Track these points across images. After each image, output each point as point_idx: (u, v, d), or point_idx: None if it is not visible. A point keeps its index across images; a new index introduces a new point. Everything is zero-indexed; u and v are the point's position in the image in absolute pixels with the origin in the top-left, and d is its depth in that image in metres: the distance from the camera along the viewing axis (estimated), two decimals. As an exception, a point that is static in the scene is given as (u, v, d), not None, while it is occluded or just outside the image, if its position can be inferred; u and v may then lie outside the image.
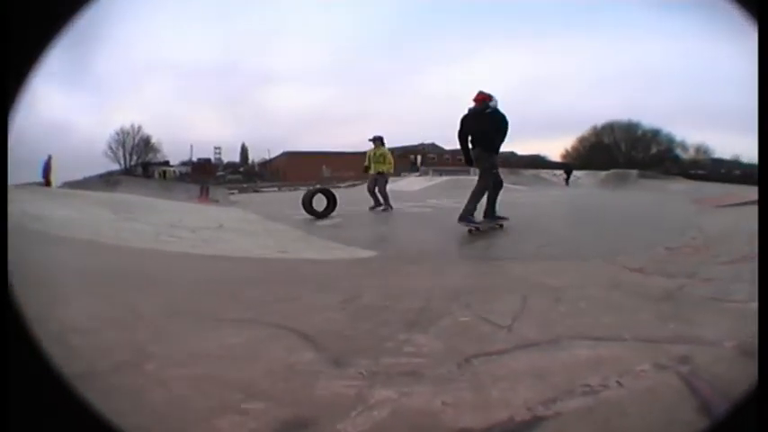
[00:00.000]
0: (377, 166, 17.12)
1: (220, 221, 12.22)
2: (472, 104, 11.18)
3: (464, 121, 11.12)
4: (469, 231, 10.29)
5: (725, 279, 5.79)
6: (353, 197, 24.79)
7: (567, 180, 46.87)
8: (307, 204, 14.52)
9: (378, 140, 17.61)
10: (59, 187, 22.49)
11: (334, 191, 16.46)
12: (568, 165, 56.51)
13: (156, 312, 4.39)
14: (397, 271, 6.99)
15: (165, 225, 11.01)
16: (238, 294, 5.14)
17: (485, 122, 10.78)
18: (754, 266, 5.93)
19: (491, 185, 11.03)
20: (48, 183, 22.84)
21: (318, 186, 17.71)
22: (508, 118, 10.93)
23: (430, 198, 22.48)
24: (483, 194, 10.87)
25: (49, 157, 23.34)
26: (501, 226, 11.04)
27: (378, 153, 17.26)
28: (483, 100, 10.93)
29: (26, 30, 2.19)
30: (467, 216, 10.48)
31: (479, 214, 10.90)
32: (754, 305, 4.22)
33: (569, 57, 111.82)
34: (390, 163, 17.34)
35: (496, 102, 10.97)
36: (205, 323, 4.11)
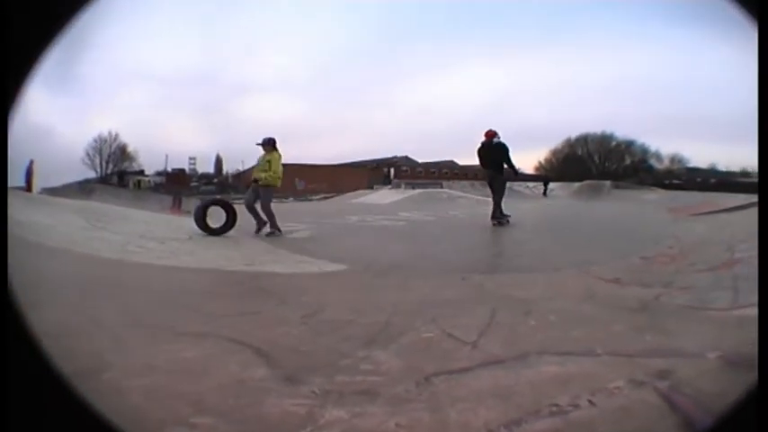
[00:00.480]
0: (257, 175, 13.81)
1: (190, 233, 12.13)
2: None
3: (480, 151, 15.93)
4: (500, 223, 15.31)
5: (703, 287, 5.73)
6: (325, 210, 25.69)
7: (545, 191, 47.82)
8: (200, 219, 12.79)
9: (268, 143, 13.85)
10: (39, 193, 22.29)
11: (232, 203, 14.10)
12: (546, 177, 57.53)
13: (115, 323, 4.28)
14: (364, 285, 6.91)
15: (134, 235, 10.94)
16: (198, 307, 5.03)
17: (493, 152, 15.65)
18: (733, 273, 5.97)
19: (501, 195, 15.65)
20: (29, 188, 22.50)
21: (216, 198, 16.41)
22: (507, 144, 15.82)
23: (402, 211, 22.61)
24: (500, 201, 15.56)
25: (31, 162, 23.13)
26: (508, 221, 15.57)
27: (266, 159, 13.69)
28: (491, 136, 15.78)
29: (26, 30, 2.16)
30: (495, 215, 15.44)
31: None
32: (739, 312, 4.52)
33: (543, 70, 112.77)
34: (275, 171, 13.69)
35: (499, 136, 15.82)
36: (162, 335, 3.98)
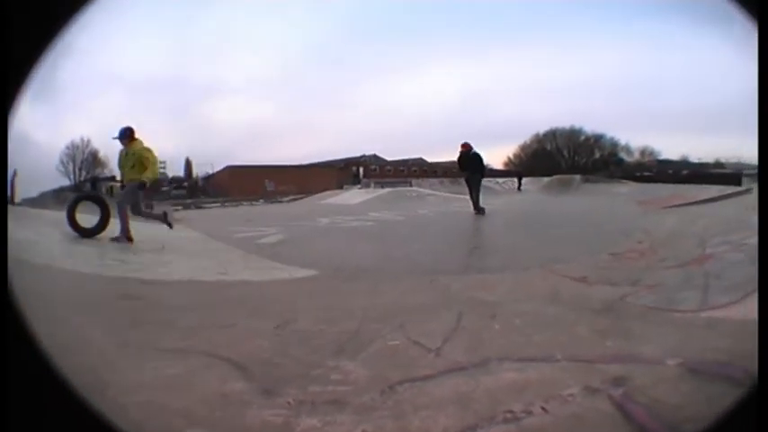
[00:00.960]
0: (128, 174, 12.01)
1: (163, 243, 11.94)
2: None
3: (459, 159, 20.76)
4: (480, 212, 19.36)
5: (672, 286, 5.82)
6: (295, 212, 25.83)
7: (519, 186, 48.26)
8: (71, 218, 11.67)
9: (125, 135, 12.09)
10: (18, 204, 21.86)
11: (106, 199, 12.61)
12: (519, 172, 57.91)
13: (104, 342, 4.34)
14: (334, 291, 7.00)
15: (110, 247, 10.90)
16: (175, 322, 5.09)
17: (470, 160, 20.50)
18: (704, 270, 6.21)
19: (479, 192, 20.23)
20: (12, 199, 22.24)
21: (88, 191, 14.22)
22: (481, 153, 21.15)
23: (371, 211, 22.95)
24: (479, 196, 20.03)
25: (15, 173, 22.84)
26: (484, 212, 19.47)
27: (130, 153, 12.02)
28: (468, 148, 20.57)
29: (26, 30, 2.19)
30: (477, 206, 19.73)
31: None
32: (707, 314, 4.63)
33: (511, 67, 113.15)
34: (153, 165, 12.15)
35: (473, 147, 20.72)
36: (146, 353, 4.09)
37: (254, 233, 14.40)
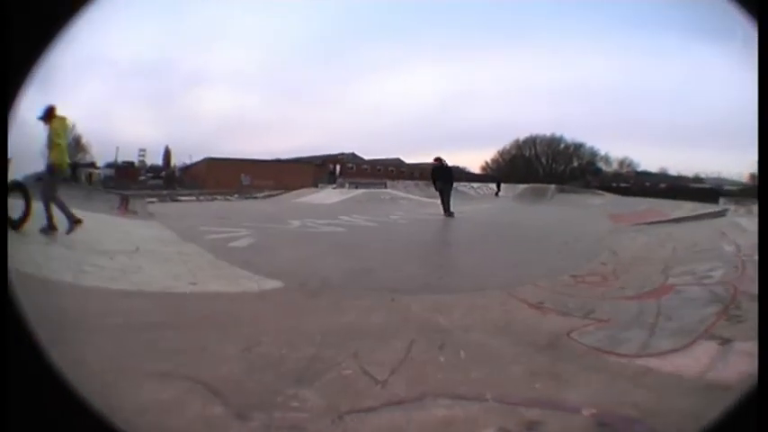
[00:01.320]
0: (49, 158, 11.61)
1: (136, 244, 12.12)
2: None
3: (433, 170, 26.10)
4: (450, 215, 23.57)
5: (621, 322, 6.11)
6: (268, 211, 26.21)
7: (497, 192, 48.85)
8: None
9: (46, 115, 11.53)
10: None
11: (27, 187, 11.74)
12: (498, 178, 58.42)
13: (100, 366, 4.48)
14: (298, 308, 7.32)
15: (86, 249, 10.79)
16: (155, 342, 5.34)
17: (442, 172, 25.64)
18: (658, 305, 6.56)
19: (449, 198, 24.69)
20: None
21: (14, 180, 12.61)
22: (450, 166, 27.17)
23: (343, 214, 23.85)
24: (449, 203, 24.49)
25: (9, 160, 22.69)
26: (453, 215, 23.86)
27: (48, 134, 11.58)
28: (440, 161, 26.00)
29: (26, 30, 2.25)
30: (448, 211, 24.17)
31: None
32: (641, 362, 4.81)
33: (493, 69, 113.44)
34: (58, 148, 11.63)
35: (446, 161, 26.53)
36: (134, 376, 4.41)
37: (226, 234, 14.74)
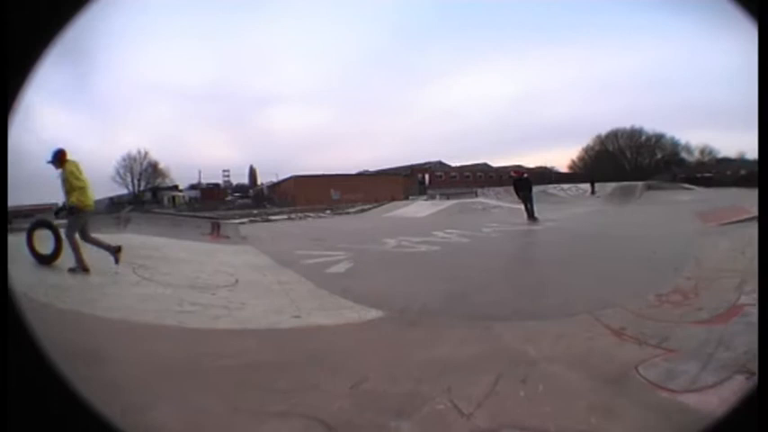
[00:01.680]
0: (67, 199, 12.04)
1: (235, 274, 12.50)
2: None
3: (514, 182, 30.09)
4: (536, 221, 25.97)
5: (685, 352, 6.11)
6: (362, 228, 26.76)
7: (593, 191, 48.18)
8: (30, 243, 12.13)
9: (55, 158, 12.08)
10: None
11: (59, 227, 12.48)
12: (593, 176, 57.61)
13: (220, 409, 5.07)
14: (398, 340, 7.71)
15: (184, 286, 11.15)
16: (269, 383, 5.78)
17: (523, 183, 29.11)
18: (722, 332, 6.59)
19: (532, 204, 28.08)
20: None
21: (40, 218, 13.97)
22: (530, 179, 30.64)
23: (437, 229, 23.63)
24: (533, 209, 27.84)
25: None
26: (538, 221, 26.77)
27: (63, 177, 12.06)
28: (521, 173, 30.06)
29: (26, 30, 2.27)
30: (532, 216, 27.49)
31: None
32: (681, 398, 4.96)
33: (567, 66, 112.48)
34: (77, 190, 11.98)
35: (525, 172, 31.17)
36: (257, 417, 4.92)
37: (323, 258, 15.14)
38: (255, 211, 43.17)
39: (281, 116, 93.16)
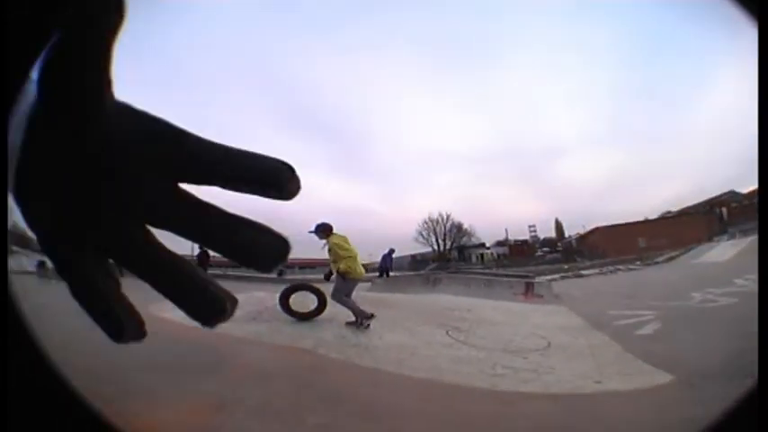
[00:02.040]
0: (332, 264, 13.93)
1: (547, 338, 12.95)
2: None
3: None
4: None
5: None
6: (670, 281, 25.81)
7: None
8: (285, 304, 14.02)
9: (319, 230, 14.15)
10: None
11: (321, 289, 14.53)
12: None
13: None
14: (680, 402, 7.60)
15: (498, 349, 11.61)
16: None
17: None
18: None
19: None
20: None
21: (300, 282, 15.97)
22: None
23: (738, 276, 20.27)
24: None
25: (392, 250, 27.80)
26: None
27: (328, 246, 14.00)
28: None
29: (26, 30, 1.51)
30: None
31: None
32: None
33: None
34: (344, 259, 13.70)
35: None
36: None
37: (634, 319, 14.89)
38: (566, 266, 42.87)
39: (574, 163, 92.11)
